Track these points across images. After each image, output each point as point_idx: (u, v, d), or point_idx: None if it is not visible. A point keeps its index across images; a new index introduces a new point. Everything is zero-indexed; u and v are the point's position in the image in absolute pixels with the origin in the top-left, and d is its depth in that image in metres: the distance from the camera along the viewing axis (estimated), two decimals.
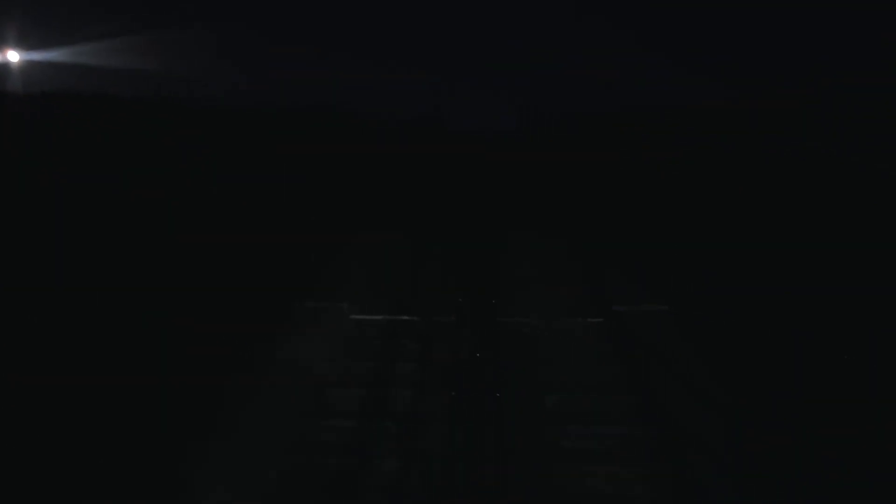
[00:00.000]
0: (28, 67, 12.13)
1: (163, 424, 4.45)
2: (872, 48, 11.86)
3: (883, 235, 7.12)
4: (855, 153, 9.06)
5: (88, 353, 5.09)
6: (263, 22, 14.44)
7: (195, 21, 13.87)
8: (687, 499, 3.94)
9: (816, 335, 5.55)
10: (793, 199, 8.61)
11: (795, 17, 13.06)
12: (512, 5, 14.75)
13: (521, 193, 11.85)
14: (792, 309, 6.02)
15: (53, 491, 3.85)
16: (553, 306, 6.67)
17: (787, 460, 4.12)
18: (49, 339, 5.23)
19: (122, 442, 4.26)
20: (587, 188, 11.38)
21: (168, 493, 3.95)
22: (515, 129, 15.05)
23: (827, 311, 5.86)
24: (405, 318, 6.38)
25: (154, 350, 5.22)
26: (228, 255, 7.20)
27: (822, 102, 11.09)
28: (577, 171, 12.02)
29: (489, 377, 5.29)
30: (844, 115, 10.30)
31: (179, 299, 6.20)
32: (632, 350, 5.73)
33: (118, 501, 3.84)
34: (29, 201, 7.07)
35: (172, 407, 4.64)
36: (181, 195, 8.57)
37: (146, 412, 4.53)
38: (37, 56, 12.23)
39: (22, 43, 12.06)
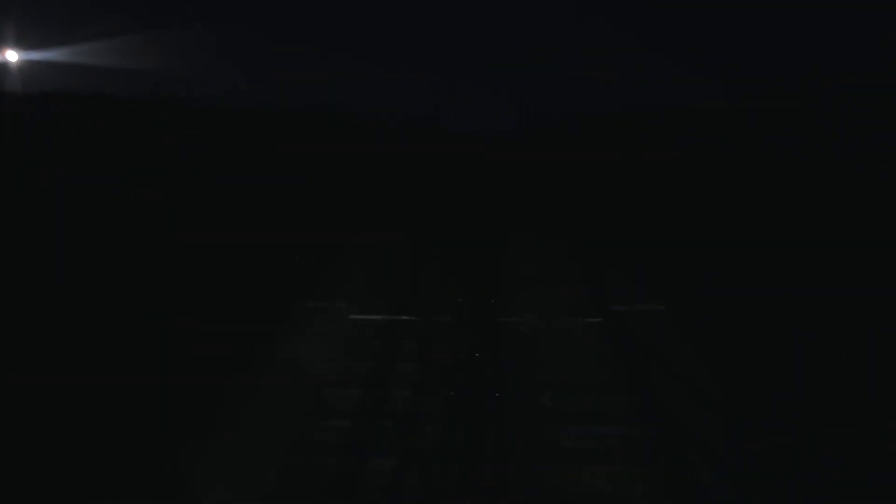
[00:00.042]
0: (27, 67, 12.13)
1: (163, 424, 4.46)
2: (872, 48, 11.86)
3: (883, 235, 7.12)
4: (855, 153, 9.05)
5: (88, 353, 5.09)
6: (263, 22, 14.45)
7: (195, 21, 13.87)
8: (686, 499, 3.94)
9: (816, 335, 5.55)
10: (792, 199, 8.61)
11: (795, 17, 13.06)
12: (512, 5, 14.75)
13: (521, 193, 11.86)
14: (791, 309, 6.02)
15: (53, 491, 3.85)
16: (552, 306, 6.68)
17: (786, 460, 4.12)
18: (49, 339, 5.23)
19: (122, 442, 4.26)
20: (587, 188, 11.38)
21: (168, 493, 3.95)
22: (515, 129, 15.06)
23: (826, 311, 5.86)
24: (405, 318, 6.39)
25: (154, 350, 5.22)
26: (228, 255, 7.21)
27: (822, 102, 11.09)
28: (576, 171, 12.02)
29: (488, 377, 5.29)
30: (844, 115, 10.30)
31: (179, 299, 6.20)
32: (631, 350, 5.73)
33: (118, 501, 3.84)
34: (28, 201, 7.07)
35: (172, 407, 4.64)
36: (181, 195, 8.57)
37: (146, 412, 4.53)
38: (36, 56, 12.23)
39: (21, 42, 12.06)
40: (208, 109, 12.62)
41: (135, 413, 4.52)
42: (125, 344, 5.28)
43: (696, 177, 10.42)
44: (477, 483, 4.03)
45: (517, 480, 4.06)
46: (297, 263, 7.86)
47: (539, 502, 3.90)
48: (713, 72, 13.56)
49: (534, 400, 4.96)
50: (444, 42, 14.68)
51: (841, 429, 4.30)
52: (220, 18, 14.13)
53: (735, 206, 8.93)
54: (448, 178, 12.56)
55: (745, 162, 10.32)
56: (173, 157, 9.54)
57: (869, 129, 9.56)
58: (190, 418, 4.60)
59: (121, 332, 5.46)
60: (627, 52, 14.10)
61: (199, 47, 13.74)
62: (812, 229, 7.72)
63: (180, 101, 12.75)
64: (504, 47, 14.73)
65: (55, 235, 6.66)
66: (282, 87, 13.97)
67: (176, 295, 6.28)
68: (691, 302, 6.59)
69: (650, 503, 3.92)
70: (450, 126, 15.12)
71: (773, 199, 8.81)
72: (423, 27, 14.69)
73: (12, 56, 11.90)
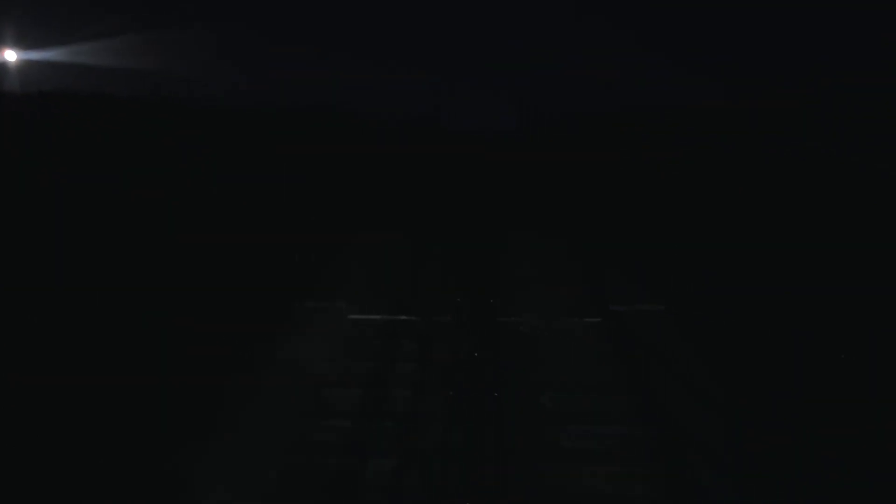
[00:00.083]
0: (25, 67, 12.11)
1: (163, 424, 4.46)
2: (872, 48, 11.85)
3: (883, 235, 7.12)
4: (855, 153, 9.05)
5: (88, 353, 5.08)
6: (263, 22, 14.44)
7: (195, 21, 13.86)
8: (686, 499, 3.94)
9: (815, 335, 5.55)
10: (792, 199, 8.61)
11: (795, 17, 13.06)
12: (512, 5, 14.75)
13: (521, 193, 11.86)
14: (791, 309, 6.02)
15: (53, 491, 3.85)
16: (552, 306, 6.68)
17: (786, 460, 4.12)
18: (49, 339, 5.23)
19: (122, 442, 4.26)
20: (587, 188, 11.38)
21: (168, 493, 3.95)
22: (515, 129, 15.06)
23: (826, 312, 5.86)
24: (404, 317, 6.38)
25: (154, 350, 5.22)
26: (228, 255, 7.21)
27: (822, 102, 11.09)
28: (576, 171, 12.02)
29: (488, 377, 5.29)
30: (844, 115, 10.30)
31: (179, 299, 6.19)
32: (631, 350, 5.73)
33: (118, 501, 3.84)
34: (27, 202, 7.07)
35: (172, 407, 4.64)
36: (181, 195, 8.57)
37: (146, 412, 4.53)
38: (34, 56, 12.21)
39: (19, 42, 12.04)
40: (208, 109, 12.61)
41: (135, 413, 4.52)
42: (125, 344, 5.28)
43: (696, 177, 10.42)
44: (477, 483, 4.03)
45: (517, 480, 4.06)
46: (296, 263, 7.86)
47: (539, 502, 3.90)
48: (713, 72, 13.56)
49: (534, 400, 4.96)
50: (444, 42, 14.68)
51: (841, 429, 4.30)
52: (220, 18, 14.13)
53: (735, 206, 8.93)
54: (448, 178, 12.56)
55: (745, 162, 10.32)
56: (173, 157, 9.54)
57: (869, 129, 9.56)
58: (190, 418, 4.60)
59: (121, 332, 5.46)
60: (627, 52, 14.10)
61: (199, 47, 13.74)
62: (812, 229, 7.72)
63: (180, 101, 12.75)
64: (504, 47, 14.73)
65: (55, 235, 6.66)
66: (282, 87, 13.97)
67: (176, 295, 6.27)
68: (691, 302, 6.58)
69: (650, 503, 3.92)
70: (450, 126, 15.12)
71: (773, 199, 8.81)
72: (423, 27, 14.69)
73: (10, 56, 11.89)
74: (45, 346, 5.11)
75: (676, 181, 10.37)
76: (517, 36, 14.78)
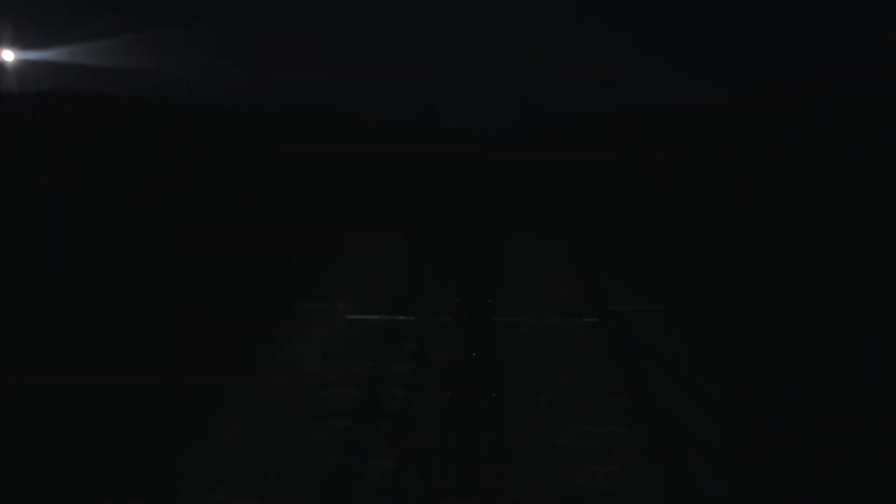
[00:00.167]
0: (23, 67, 12.10)
1: (162, 424, 4.46)
2: (872, 48, 11.85)
3: (882, 235, 7.12)
4: (855, 153, 9.06)
5: (88, 353, 5.09)
6: (263, 22, 14.45)
7: (195, 21, 13.87)
8: (686, 499, 3.94)
9: (815, 335, 5.55)
10: (792, 199, 8.61)
11: (795, 17, 13.06)
12: (512, 5, 14.75)
13: (521, 194, 11.85)
14: (791, 309, 6.02)
15: (53, 491, 3.85)
16: (551, 306, 6.68)
17: (786, 460, 4.12)
18: (49, 339, 5.23)
19: (121, 442, 4.26)
20: (586, 188, 11.38)
21: (168, 493, 3.95)
22: (515, 129, 15.06)
23: (826, 311, 5.86)
24: (403, 317, 6.38)
25: (153, 350, 5.22)
26: (227, 255, 7.21)
27: (822, 102, 11.09)
28: (576, 172, 12.02)
29: (487, 377, 5.29)
30: (844, 115, 10.30)
31: (179, 299, 6.20)
32: (631, 350, 5.73)
33: (118, 501, 3.84)
34: (26, 202, 7.07)
35: (172, 407, 4.64)
36: (181, 195, 8.57)
37: (146, 412, 4.53)
38: (33, 56, 12.21)
39: (18, 42, 12.03)
40: (208, 109, 12.62)
41: (134, 413, 4.52)
42: (125, 344, 5.28)
43: (696, 177, 10.42)
44: (476, 483, 4.03)
45: (516, 480, 4.06)
46: (296, 263, 7.86)
47: (538, 502, 3.90)
48: (713, 72, 13.56)
49: (533, 400, 4.96)
50: (444, 42, 14.69)
51: (841, 429, 4.30)
52: (220, 18, 14.13)
53: (735, 206, 8.93)
54: (448, 178, 12.55)
55: (745, 162, 10.32)
56: (173, 157, 9.54)
57: (869, 129, 9.56)
58: (189, 418, 4.60)
59: (121, 332, 5.46)
60: (627, 52, 14.10)
61: (199, 47, 13.75)
62: (812, 229, 7.72)
63: (180, 101, 12.76)
64: (504, 47, 14.73)
65: (54, 235, 6.66)
66: (282, 87, 13.97)
67: (176, 295, 6.28)
68: (690, 302, 6.58)
69: (650, 503, 3.92)
70: (450, 126, 15.13)
71: (773, 199, 8.81)
72: (423, 27, 14.69)
73: (8, 56, 11.87)
74: (45, 346, 5.11)
75: (676, 181, 10.38)
76: (517, 36, 14.79)
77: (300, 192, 9.95)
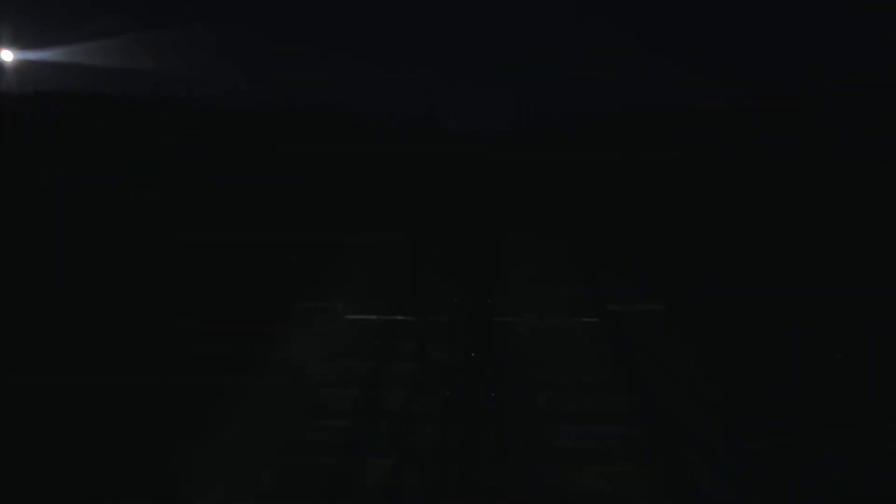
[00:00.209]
0: (22, 67, 12.10)
1: (162, 424, 4.46)
2: (872, 48, 11.85)
3: (882, 235, 7.12)
4: (855, 153, 9.06)
5: (88, 353, 5.09)
6: (263, 22, 14.44)
7: (195, 21, 13.86)
8: (686, 499, 3.94)
9: (814, 335, 5.55)
10: (792, 199, 8.61)
11: (795, 17, 13.06)
12: (512, 5, 14.75)
13: (520, 193, 11.85)
14: (791, 309, 6.02)
15: (53, 491, 3.85)
16: (551, 306, 6.67)
17: (786, 460, 4.12)
18: (49, 339, 5.23)
19: (120, 442, 4.26)
20: (586, 188, 11.38)
21: (167, 493, 3.95)
22: (515, 129, 15.06)
23: (826, 311, 5.86)
24: (402, 318, 6.38)
25: (153, 350, 5.22)
26: (227, 255, 7.21)
27: (822, 102, 11.09)
28: (576, 172, 12.02)
29: (487, 377, 5.29)
30: (844, 115, 10.30)
31: (179, 299, 6.20)
32: (630, 350, 5.73)
33: (117, 501, 3.84)
34: (26, 202, 7.07)
35: (171, 407, 4.64)
36: (181, 195, 8.57)
37: (145, 412, 4.53)
38: (32, 55, 12.20)
39: (18, 42, 12.02)
40: (208, 109, 12.62)
41: (134, 413, 4.52)
42: (125, 344, 5.28)
43: (696, 177, 10.42)
44: (476, 483, 4.03)
45: (516, 480, 4.06)
46: (295, 263, 7.86)
47: (538, 502, 3.90)
48: (713, 72, 13.56)
49: (533, 400, 4.95)
50: (444, 42, 14.68)
51: (841, 429, 4.30)
52: (220, 18, 14.13)
53: (735, 206, 8.93)
54: (447, 178, 12.56)
55: (745, 162, 10.32)
56: (173, 157, 9.54)
57: (869, 129, 9.56)
58: (189, 418, 4.60)
59: (121, 332, 5.46)
60: (627, 52, 14.09)
61: (199, 47, 13.74)
62: (812, 229, 7.72)
63: (180, 101, 12.76)
64: (504, 47, 14.73)
65: (54, 236, 6.66)
66: (282, 87, 13.97)
67: (176, 295, 6.28)
68: (690, 302, 6.58)
69: (649, 503, 3.92)
70: (450, 126, 15.13)
71: (772, 199, 8.81)
72: (423, 27, 14.69)
73: (7, 56, 11.86)
74: (45, 346, 5.11)
75: (676, 181, 10.38)
76: (517, 36, 14.78)
77: (300, 192, 9.95)
